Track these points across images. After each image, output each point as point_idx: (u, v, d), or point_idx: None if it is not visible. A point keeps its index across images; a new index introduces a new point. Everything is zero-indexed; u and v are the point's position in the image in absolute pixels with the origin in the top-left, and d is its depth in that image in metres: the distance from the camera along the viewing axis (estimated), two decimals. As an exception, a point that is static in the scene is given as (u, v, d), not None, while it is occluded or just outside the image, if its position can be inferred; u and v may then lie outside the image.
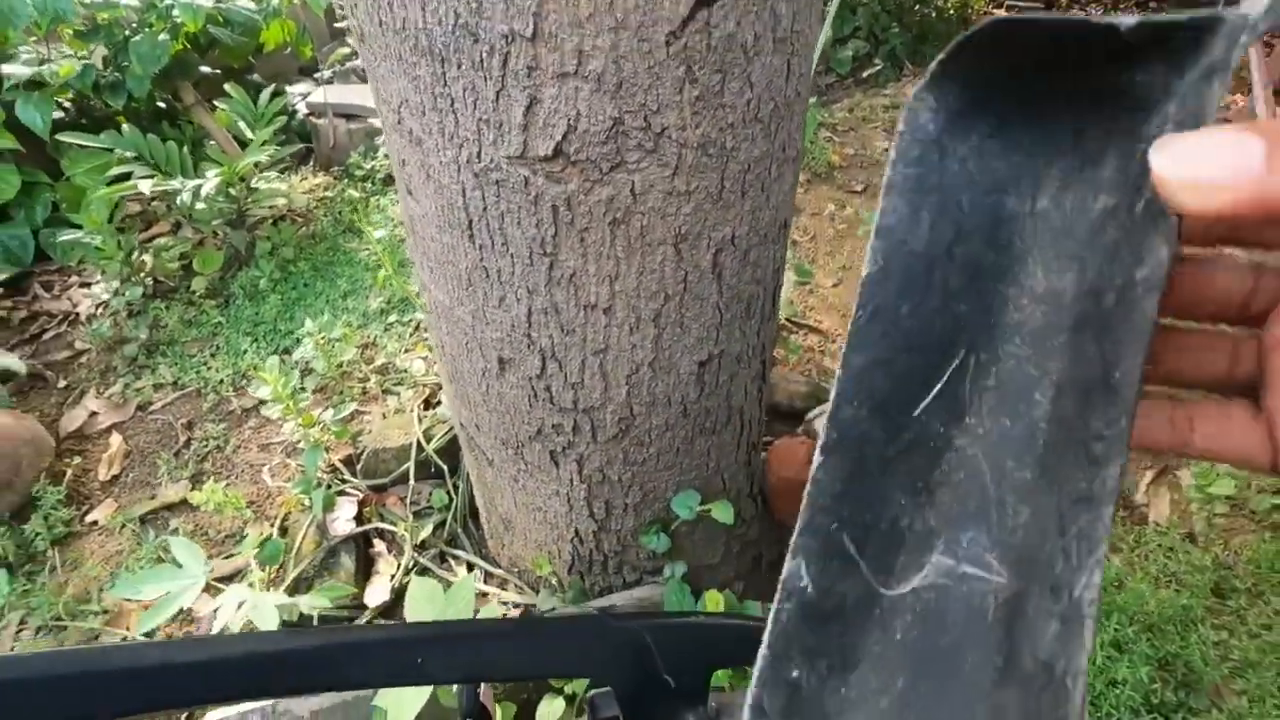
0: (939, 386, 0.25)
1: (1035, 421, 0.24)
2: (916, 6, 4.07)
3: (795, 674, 0.24)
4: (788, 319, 1.92)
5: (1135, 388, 0.20)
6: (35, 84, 1.99)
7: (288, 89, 3.11)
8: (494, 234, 0.73)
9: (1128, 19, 0.20)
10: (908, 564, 0.24)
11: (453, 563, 1.34)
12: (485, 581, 1.31)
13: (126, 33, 2.27)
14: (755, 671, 0.24)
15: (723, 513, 1.01)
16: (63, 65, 1.92)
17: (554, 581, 1.19)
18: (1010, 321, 0.25)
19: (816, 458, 0.25)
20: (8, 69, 1.94)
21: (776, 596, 0.25)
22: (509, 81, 0.61)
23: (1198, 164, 0.18)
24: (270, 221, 2.42)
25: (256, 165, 2.28)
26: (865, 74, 3.83)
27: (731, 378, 0.93)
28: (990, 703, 0.21)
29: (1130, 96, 0.23)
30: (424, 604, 0.95)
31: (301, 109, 3.12)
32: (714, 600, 1.05)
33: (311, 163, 3.01)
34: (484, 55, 0.60)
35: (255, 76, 3.13)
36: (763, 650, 0.24)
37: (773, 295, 0.92)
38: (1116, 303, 0.22)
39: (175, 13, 2.17)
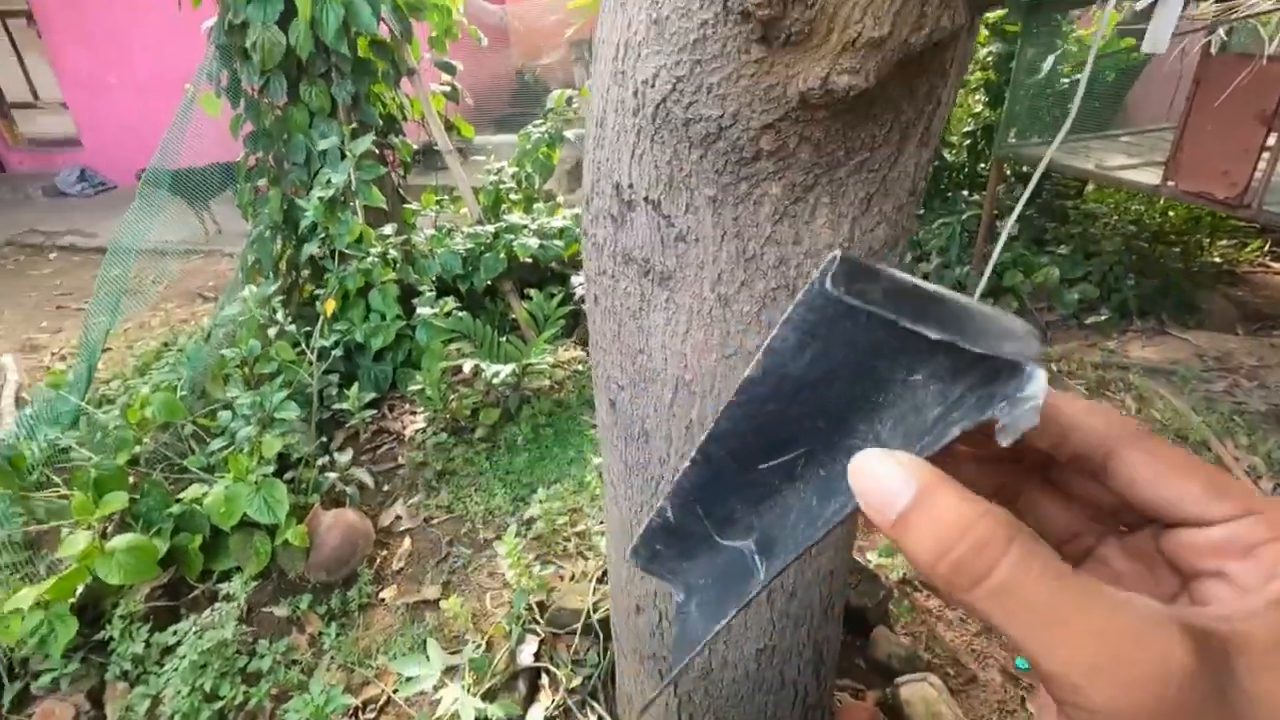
0: (779, 460, 0.34)
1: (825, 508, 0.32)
2: (1160, 258, 3.98)
3: (658, 547, 0.39)
4: (912, 578, 2.18)
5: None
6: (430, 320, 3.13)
7: (573, 278, 4.11)
8: (641, 546, 1.26)
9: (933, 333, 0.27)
10: (731, 534, 0.37)
11: (589, 711, 1.84)
12: (607, 735, 1.77)
13: (481, 249, 3.34)
14: (635, 538, 0.39)
15: (768, 753, 1.38)
16: (445, 303, 2.97)
17: (650, 756, 1.62)
18: (852, 446, 0.31)
19: (687, 465, 0.36)
20: (420, 310, 3.10)
21: (648, 518, 0.39)
22: (654, 495, 1.15)
23: (872, 480, 0.22)
24: (534, 388, 3.28)
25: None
26: (1090, 320, 3.86)
27: (784, 661, 1.33)
28: (738, 603, 0.34)
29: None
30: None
31: (579, 293, 4.09)
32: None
33: (574, 334, 3.92)
34: (645, 479, 1.15)
35: (552, 265, 4.19)
36: (641, 532, 0.38)
37: (824, 612, 1.33)
38: None
39: (514, 245, 3.18)
